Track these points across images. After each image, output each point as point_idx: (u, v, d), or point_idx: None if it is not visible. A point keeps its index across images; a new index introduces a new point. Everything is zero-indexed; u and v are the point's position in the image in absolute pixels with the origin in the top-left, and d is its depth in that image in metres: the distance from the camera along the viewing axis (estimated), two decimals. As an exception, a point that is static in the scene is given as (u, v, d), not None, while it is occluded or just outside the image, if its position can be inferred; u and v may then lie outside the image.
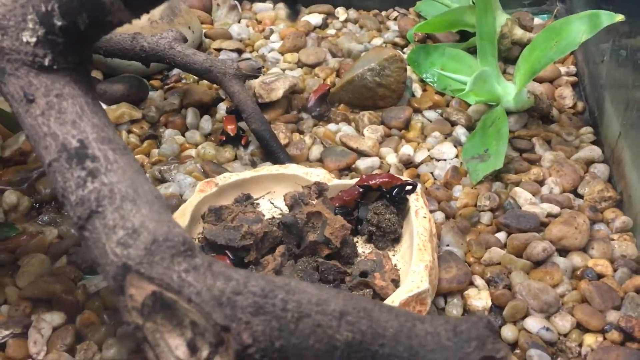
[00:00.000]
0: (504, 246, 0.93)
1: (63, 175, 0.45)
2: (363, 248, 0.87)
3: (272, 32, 1.45)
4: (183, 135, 1.15)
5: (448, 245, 0.91)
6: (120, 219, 0.42)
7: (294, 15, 0.35)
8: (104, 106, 1.17)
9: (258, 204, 0.92)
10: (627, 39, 1.05)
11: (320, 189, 0.86)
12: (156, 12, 1.30)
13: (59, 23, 0.46)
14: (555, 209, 0.96)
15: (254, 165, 1.06)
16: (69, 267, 0.87)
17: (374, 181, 0.87)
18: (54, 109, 0.47)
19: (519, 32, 1.32)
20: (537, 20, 1.46)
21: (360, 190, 0.87)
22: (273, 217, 0.88)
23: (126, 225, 0.42)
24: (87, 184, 0.44)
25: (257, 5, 1.56)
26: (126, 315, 0.41)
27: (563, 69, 1.30)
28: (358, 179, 0.90)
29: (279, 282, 0.41)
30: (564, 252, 0.91)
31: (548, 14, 1.50)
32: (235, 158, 1.09)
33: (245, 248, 0.79)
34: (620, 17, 0.96)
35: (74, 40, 0.47)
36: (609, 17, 0.97)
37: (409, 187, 0.88)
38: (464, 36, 1.39)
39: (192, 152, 1.10)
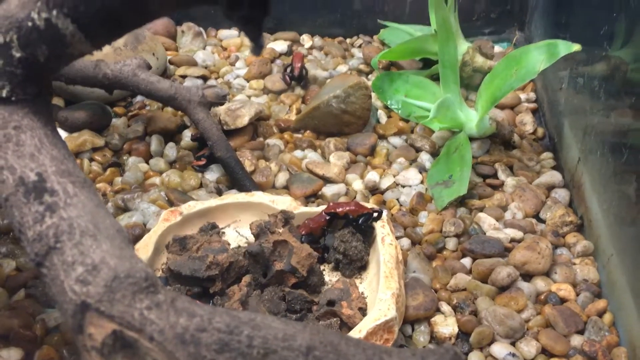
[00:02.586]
0: (469, 272, 0.93)
1: (20, 210, 0.43)
2: (330, 276, 0.86)
3: (237, 58, 1.45)
4: (147, 162, 1.13)
5: (414, 272, 0.91)
6: (79, 255, 0.41)
7: (257, 49, 0.35)
8: (65, 134, 1.15)
9: (224, 233, 0.91)
10: (584, 66, 1.08)
11: (286, 218, 0.85)
12: (120, 39, 1.28)
13: (17, 55, 0.45)
14: (519, 234, 0.98)
15: (219, 192, 1.05)
16: (28, 301, 0.84)
17: (340, 209, 0.87)
18: (12, 142, 0.46)
19: (480, 60, 1.35)
20: (497, 48, 1.49)
21: (327, 218, 0.87)
22: (239, 246, 0.87)
23: (86, 262, 0.40)
24: (45, 219, 0.43)
25: (223, 32, 1.56)
26: (85, 356, 0.40)
27: (523, 96, 1.33)
28: (324, 206, 0.90)
29: (244, 318, 0.40)
30: (527, 276, 0.92)
31: (508, 42, 1.54)
32: (201, 186, 1.08)
33: (211, 278, 0.78)
34: (577, 47, 0.99)
35: (33, 71, 0.46)
36: (567, 47, 1.00)
37: (375, 215, 0.88)
38: (427, 64, 1.42)
39: (157, 180, 1.09)
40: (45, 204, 0.44)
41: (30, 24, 0.43)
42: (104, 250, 0.41)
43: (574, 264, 0.94)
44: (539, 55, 1.02)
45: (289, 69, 1.36)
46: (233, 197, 0.94)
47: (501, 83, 1.07)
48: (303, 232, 0.86)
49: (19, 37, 0.44)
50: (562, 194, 1.07)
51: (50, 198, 0.44)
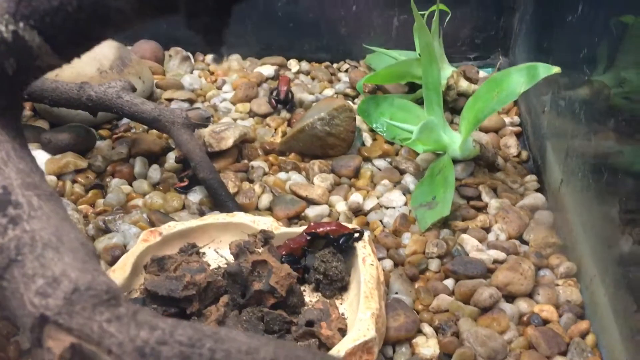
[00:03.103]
0: (452, 293, 0.93)
1: (-17, 223, 0.43)
2: (310, 297, 0.86)
3: (224, 82, 1.46)
4: (130, 184, 1.13)
5: (397, 293, 0.90)
6: (40, 267, 0.40)
7: (218, 58, 0.35)
8: (48, 156, 1.15)
9: (204, 253, 0.90)
10: (566, 90, 1.09)
11: (266, 237, 0.85)
12: (105, 62, 1.29)
13: (-15, 68, 0.45)
14: (502, 255, 0.98)
15: (202, 214, 1.05)
16: (1, 323, 0.82)
17: (321, 229, 0.87)
18: (-22, 155, 0.46)
19: (464, 84, 1.36)
20: (482, 73, 1.50)
21: (308, 238, 0.87)
22: (219, 267, 0.87)
23: (46, 274, 0.40)
24: (8, 231, 0.42)
25: (210, 57, 1.57)
26: (45, 370, 0.39)
27: (507, 120, 1.34)
28: (305, 227, 0.89)
29: (208, 331, 0.40)
30: (510, 298, 0.91)
31: (492, 67, 1.55)
32: (184, 207, 1.08)
33: (188, 299, 0.77)
34: (556, 69, 1.00)
35: (1, 85, 0.46)
36: (546, 69, 1.01)
37: (356, 235, 0.88)
38: (412, 88, 1.43)
39: (139, 201, 1.08)
40: (8, 216, 0.43)
41: (-3, 36, 0.43)
42: (66, 263, 0.41)
43: (557, 285, 0.94)
44: (520, 78, 1.03)
45: (275, 92, 1.37)
46: (214, 217, 0.94)
47: (483, 105, 1.08)
48: (283, 253, 0.86)
49: (-14, 50, 0.44)
50: (545, 216, 1.07)
51: (14, 211, 0.43)
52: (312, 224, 0.89)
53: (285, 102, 1.36)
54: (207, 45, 0.34)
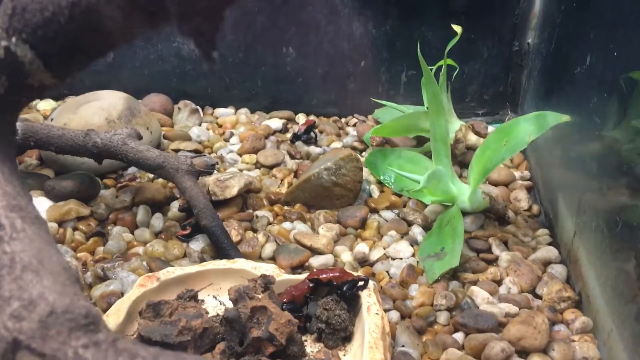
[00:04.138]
0: (461, 347, 0.88)
1: (-38, 244, 0.41)
2: (312, 347, 0.81)
3: (232, 135, 1.46)
4: (132, 233, 1.11)
5: (403, 346, 0.86)
6: (17, 289, 0.38)
7: (210, 62, 0.34)
8: (51, 202, 1.14)
9: (202, 300, 0.87)
10: (576, 145, 1.08)
11: (266, 283, 0.81)
12: (114, 112, 1.30)
13: (-22, 87, 0.44)
14: (514, 309, 0.93)
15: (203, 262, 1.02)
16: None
17: (324, 275, 0.84)
18: (-35, 177, 0.44)
19: (473, 138, 1.35)
20: (490, 129, 1.50)
21: (310, 285, 0.84)
22: (217, 315, 0.83)
23: (23, 297, 0.37)
24: (-13, 252, 0.40)
25: (219, 110, 1.58)
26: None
27: (517, 174, 1.32)
28: (307, 273, 0.86)
29: (191, 361, 0.36)
30: (524, 353, 0.87)
31: (501, 123, 1.55)
32: (185, 255, 1.05)
33: (182, 345, 0.73)
34: (566, 118, 0.98)
35: (-7, 105, 0.45)
36: (555, 118, 0.99)
37: (360, 283, 0.84)
38: (420, 142, 1.42)
39: (140, 249, 1.06)
40: (-11, 237, 0.41)
41: (-10, 53, 0.43)
42: (45, 286, 0.38)
43: (573, 340, 0.89)
44: (529, 127, 1.02)
45: (296, 129, 1.46)
46: (214, 263, 0.91)
47: (492, 155, 1.06)
48: (285, 300, 0.82)
49: (-21, 68, 0.44)
50: (558, 270, 1.03)
51: (-5, 232, 0.41)
52: (315, 270, 0.86)
53: (300, 138, 1.43)
54: (197, 49, 0.33)
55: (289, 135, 1.47)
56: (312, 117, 1.54)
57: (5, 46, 0.41)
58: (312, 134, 1.45)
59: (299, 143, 1.43)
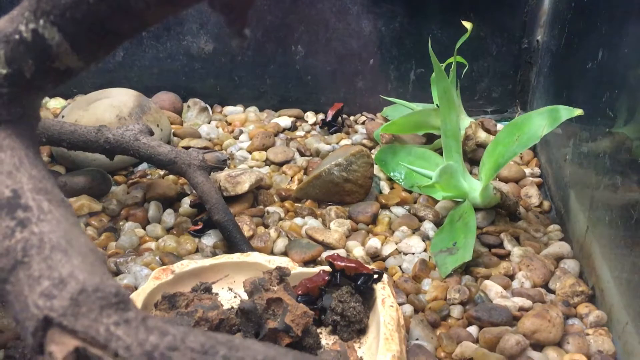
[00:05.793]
0: (476, 340, 0.88)
1: (-9, 226, 0.41)
2: (327, 340, 0.81)
3: (241, 132, 1.46)
4: (144, 228, 1.11)
5: (417, 340, 0.86)
6: (47, 269, 0.38)
7: (241, 39, 0.34)
8: (63, 198, 1.14)
9: (217, 293, 0.87)
10: (587, 142, 1.07)
11: (281, 275, 0.81)
12: (125, 109, 1.30)
13: (3, 71, 0.44)
14: (527, 303, 0.93)
15: (215, 257, 1.02)
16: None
17: (341, 262, 0.83)
18: (-10, 160, 0.44)
19: (482, 135, 1.35)
20: (499, 126, 1.49)
21: (325, 278, 0.84)
22: (232, 307, 0.83)
23: (53, 275, 0.37)
24: (16, 233, 0.40)
25: (228, 108, 1.58)
26: (45, 381, 0.36)
27: (527, 170, 1.32)
28: (322, 267, 0.86)
29: (222, 339, 0.36)
30: (538, 346, 0.86)
31: (510, 121, 1.54)
32: (197, 250, 1.05)
33: (199, 336, 0.73)
34: (579, 111, 0.98)
35: (19, 90, 0.46)
36: (568, 112, 0.99)
37: (375, 277, 0.84)
38: (430, 139, 1.42)
39: (152, 244, 1.06)
40: (17, 219, 0.41)
41: (17, 37, 0.43)
42: (74, 265, 0.38)
43: (587, 334, 0.89)
44: (541, 121, 1.01)
45: (324, 116, 1.49)
46: (227, 256, 0.91)
47: (504, 150, 1.06)
48: (299, 292, 0.82)
49: (5, 52, 0.44)
50: (571, 265, 1.03)
51: (23, 214, 0.41)
52: (336, 254, 0.86)
53: (329, 125, 1.46)
54: (228, 25, 0.33)
55: (299, 132, 1.47)
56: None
57: (33, 29, 0.42)
58: (340, 119, 1.47)
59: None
